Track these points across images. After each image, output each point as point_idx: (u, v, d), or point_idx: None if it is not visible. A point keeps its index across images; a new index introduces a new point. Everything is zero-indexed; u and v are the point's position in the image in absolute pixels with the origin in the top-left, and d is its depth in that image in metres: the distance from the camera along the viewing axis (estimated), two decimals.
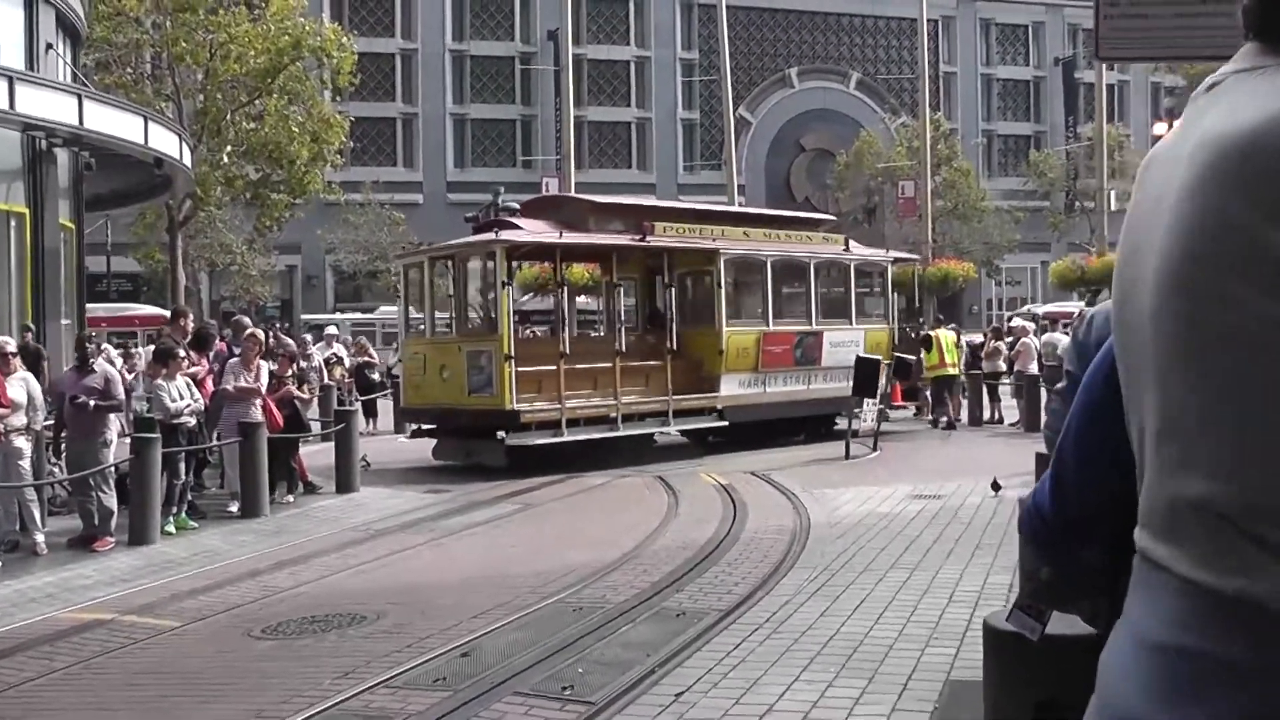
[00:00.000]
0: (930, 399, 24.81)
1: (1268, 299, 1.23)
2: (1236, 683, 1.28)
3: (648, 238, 20.07)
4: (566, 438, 18.26)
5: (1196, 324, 1.31)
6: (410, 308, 21.81)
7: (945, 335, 24.75)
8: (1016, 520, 2.35)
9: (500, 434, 17.82)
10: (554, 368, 18.36)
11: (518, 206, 21.06)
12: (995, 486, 13.48)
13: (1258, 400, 1.27)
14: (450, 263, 20.16)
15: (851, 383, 19.85)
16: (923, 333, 25.13)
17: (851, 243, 24.39)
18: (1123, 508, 2.01)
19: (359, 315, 47.94)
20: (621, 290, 21.14)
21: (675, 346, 20.12)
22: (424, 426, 19.66)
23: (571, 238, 19.52)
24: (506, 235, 18.80)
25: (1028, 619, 2.48)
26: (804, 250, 22.89)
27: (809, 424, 22.24)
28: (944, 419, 24.06)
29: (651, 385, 19.82)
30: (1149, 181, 1.48)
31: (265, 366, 15.22)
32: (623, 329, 20.45)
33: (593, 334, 22.13)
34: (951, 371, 24.40)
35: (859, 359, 20.26)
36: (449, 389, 18.57)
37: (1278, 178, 1.23)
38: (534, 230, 19.48)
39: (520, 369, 17.99)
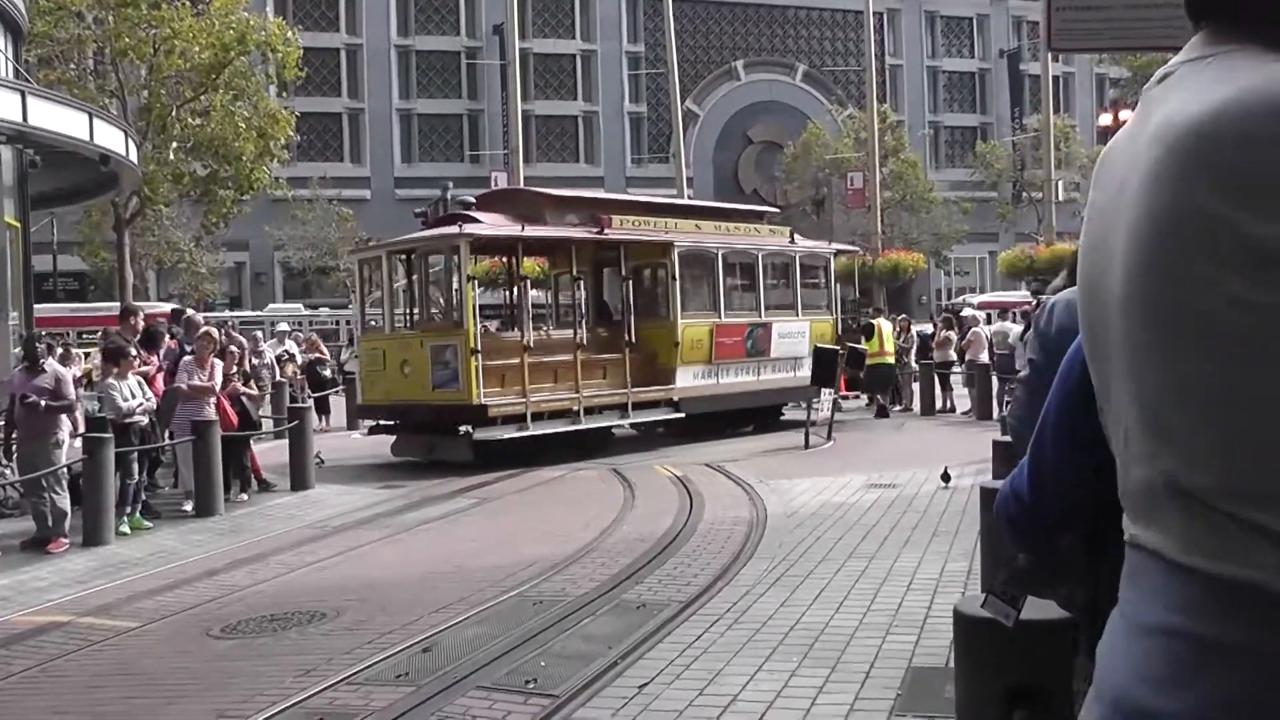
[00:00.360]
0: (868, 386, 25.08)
1: (1241, 281, 1.25)
2: (1229, 664, 1.30)
3: (605, 230, 20.10)
4: (532, 431, 18.13)
5: (1169, 310, 1.33)
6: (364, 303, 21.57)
7: (884, 324, 25.12)
8: (993, 507, 2.38)
9: (466, 429, 17.61)
10: (517, 361, 18.25)
11: (473, 199, 20.82)
12: (945, 478, 13.44)
13: (1238, 384, 1.28)
14: (410, 257, 19.94)
15: (811, 373, 20.13)
16: (864, 322, 25.44)
17: (795, 235, 24.61)
18: (1100, 495, 2.05)
19: (248, 314, 47.55)
20: (582, 283, 20.91)
21: (633, 339, 20.14)
22: (381, 423, 19.38)
23: (533, 230, 19.46)
24: (470, 228, 18.62)
25: (1003, 605, 2.51)
26: (752, 242, 23.12)
27: (758, 415, 22.42)
28: (884, 404, 24.67)
29: (609, 378, 19.79)
30: (1107, 173, 1.49)
31: (219, 365, 15.14)
32: (583, 322, 20.36)
33: (544, 328, 22.00)
34: (889, 360, 24.68)
35: (818, 349, 20.50)
36: (410, 385, 18.32)
37: (1239, 163, 1.25)
38: (493, 223, 19.31)
39: (485, 363, 17.81)
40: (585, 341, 19.78)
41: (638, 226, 20.89)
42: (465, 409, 17.68)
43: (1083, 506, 2.24)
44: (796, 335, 23.10)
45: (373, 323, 20.29)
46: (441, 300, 20.77)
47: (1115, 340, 1.44)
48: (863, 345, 23.56)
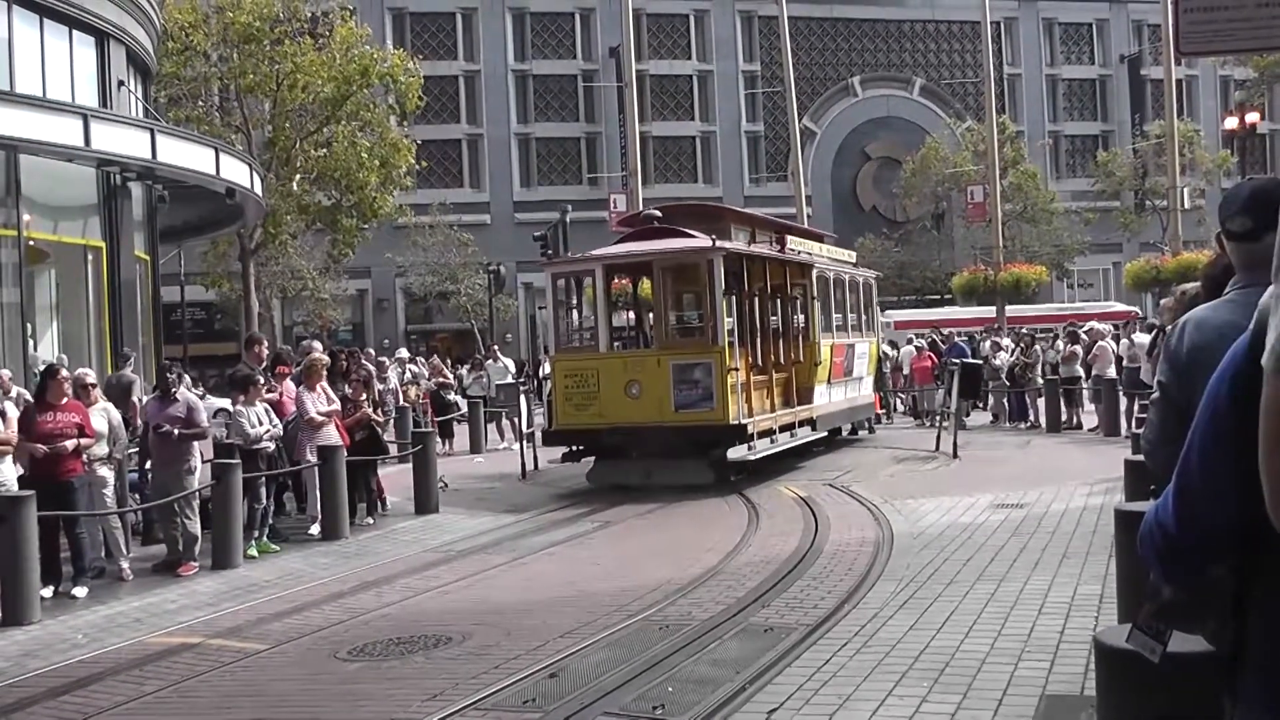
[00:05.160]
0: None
1: None
2: None
3: (784, 249, 20.15)
4: (763, 452, 17.72)
5: None
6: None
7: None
8: (1137, 538, 2.28)
9: (719, 450, 17.02)
10: (745, 379, 17.72)
11: (659, 213, 20.15)
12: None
13: None
14: (649, 272, 18.93)
15: (959, 387, 20.32)
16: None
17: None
18: (1249, 525, 1.95)
19: None
20: (758, 302, 20.09)
21: (800, 358, 20.14)
22: (575, 448, 18.43)
23: (756, 249, 19.44)
24: (722, 243, 17.83)
25: (1148, 639, 2.40)
26: (844, 266, 23.79)
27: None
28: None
29: (777, 397, 19.45)
30: None
31: (328, 389, 15.34)
32: (771, 341, 19.99)
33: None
34: None
35: (965, 364, 21.18)
36: (640, 406, 17.36)
37: None
38: (695, 238, 18.38)
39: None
40: (782, 361, 19.71)
41: (785, 246, 20.92)
42: (720, 429, 16.97)
43: (1232, 536, 2.13)
44: (862, 355, 23.69)
45: (571, 341, 19.39)
46: (691, 316, 19.98)
47: None
48: (978, 362, 23.95)
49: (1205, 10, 7.52)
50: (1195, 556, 2.18)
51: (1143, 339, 20.22)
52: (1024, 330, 31.46)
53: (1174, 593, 2.31)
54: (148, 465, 13.86)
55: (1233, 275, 3.13)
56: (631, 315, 22.38)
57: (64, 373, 12.30)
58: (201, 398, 16.06)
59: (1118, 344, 24.24)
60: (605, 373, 17.84)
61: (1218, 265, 3.54)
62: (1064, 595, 8.91)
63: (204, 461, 13.69)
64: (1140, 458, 8.13)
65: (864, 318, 24.72)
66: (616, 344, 19.72)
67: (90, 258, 20.34)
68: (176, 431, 12.77)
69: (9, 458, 11.38)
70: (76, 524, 11.69)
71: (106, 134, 18.91)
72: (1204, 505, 2.12)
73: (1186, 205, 45.24)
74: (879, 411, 26.53)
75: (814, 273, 20.84)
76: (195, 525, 12.76)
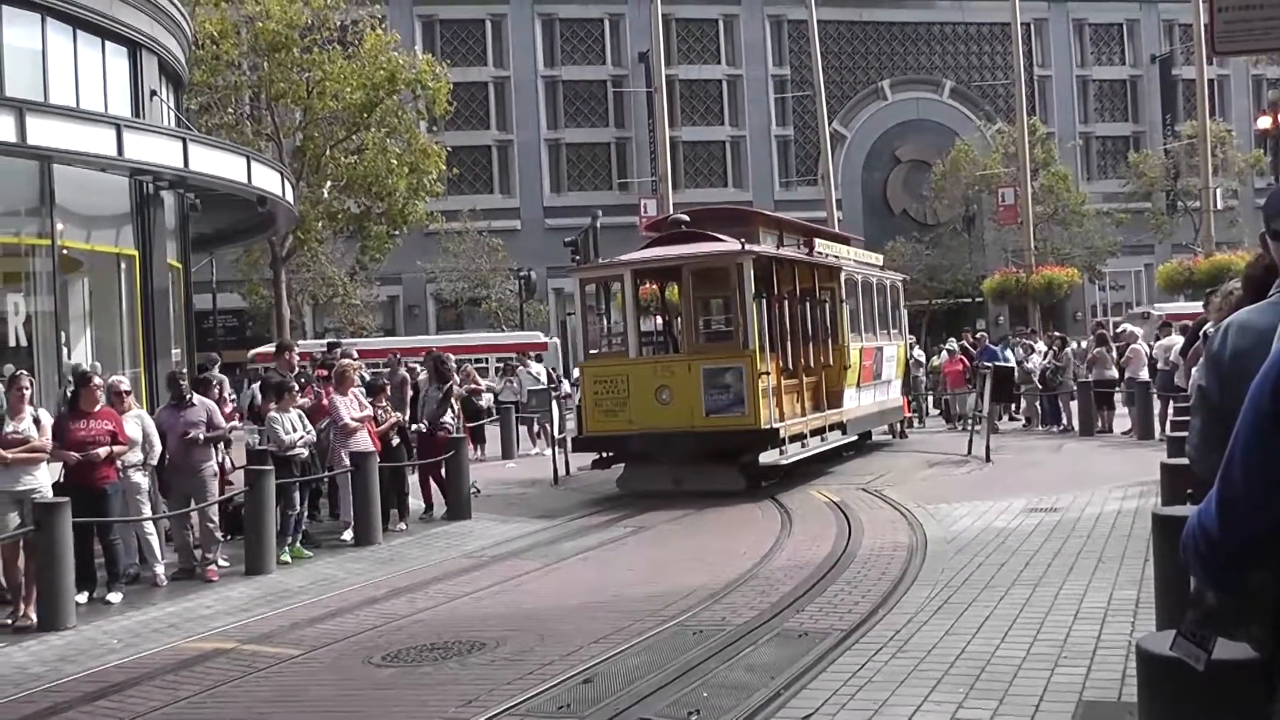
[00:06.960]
0: None
1: None
2: None
3: (813, 252, 20.13)
4: (794, 457, 17.58)
5: None
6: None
7: None
8: (1180, 543, 2.25)
9: (751, 455, 16.95)
10: (776, 383, 17.63)
11: (686, 218, 20.04)
12: None
13: None
14: (677, 276, 18.78)
15: (991, 391, 20.09)
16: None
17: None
18: None
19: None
20: (787, 305, 19.85)
21: (829, 362, 20.13)
22: (605, 455, 18.37)
23: (784, 252, 19.42)
24: (751, 247, 17.71)
25: (1192, 647, 2.37)
26: (872, 268, 23.69)
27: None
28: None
29: (806, 401, 19.36)
30: None
31: (361, 394, 15.39)
32: (801, 345, 19.91)
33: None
34: None
35: (997, 368, 20.93)
36: (671, 412, 17.23)
37: None
38: (723, 242, 18.25)
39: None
40: (811, 365, 19.68)
41: (813, 249, 20.86)
42: (752, 434, 16.83)
43: (1275, 541, 2.11)
44: (891, 359, 23.55)
45: (602, 347, 19.26)
46: (721, 320, 19.84)
47: None
48: (1010, 364, 23.87)
49: (1241, 9, 7.47)
50: (1238, 562, 2.16)
51: (1176, 341, 20.07)
52: (1056, 335, 31.31)
53: (1218, 599, 2.28)
54: None
55: (1275, 275, 3.08)
56: (660, 320, 22.27)
57: (97, 380, 12.37)
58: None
59: (1151, 347, 24.07)
60: (635, 378, 17.75)
61: (1259, 265, 3.48)
62: (1100, 600, 8.84)
63: (235, 467, 13.76)
64: (1175, 461, 8.07)
65: (892, 320, 24.61)
66: (646, 349, 19.68)
67: (123, 266, 20.40)
68: (203, 436, 12.85)
69: (44, 464, 11.44)
70: (111, 530, 11.75)
71: (139, 143, 18.97)
72: (1247, 510, 2.10)
73: (1219, 206, 44.95)
74: (908, 415, 26.47)
75: (842, 275, 20.75)
76: (217, 529, 12.88)
